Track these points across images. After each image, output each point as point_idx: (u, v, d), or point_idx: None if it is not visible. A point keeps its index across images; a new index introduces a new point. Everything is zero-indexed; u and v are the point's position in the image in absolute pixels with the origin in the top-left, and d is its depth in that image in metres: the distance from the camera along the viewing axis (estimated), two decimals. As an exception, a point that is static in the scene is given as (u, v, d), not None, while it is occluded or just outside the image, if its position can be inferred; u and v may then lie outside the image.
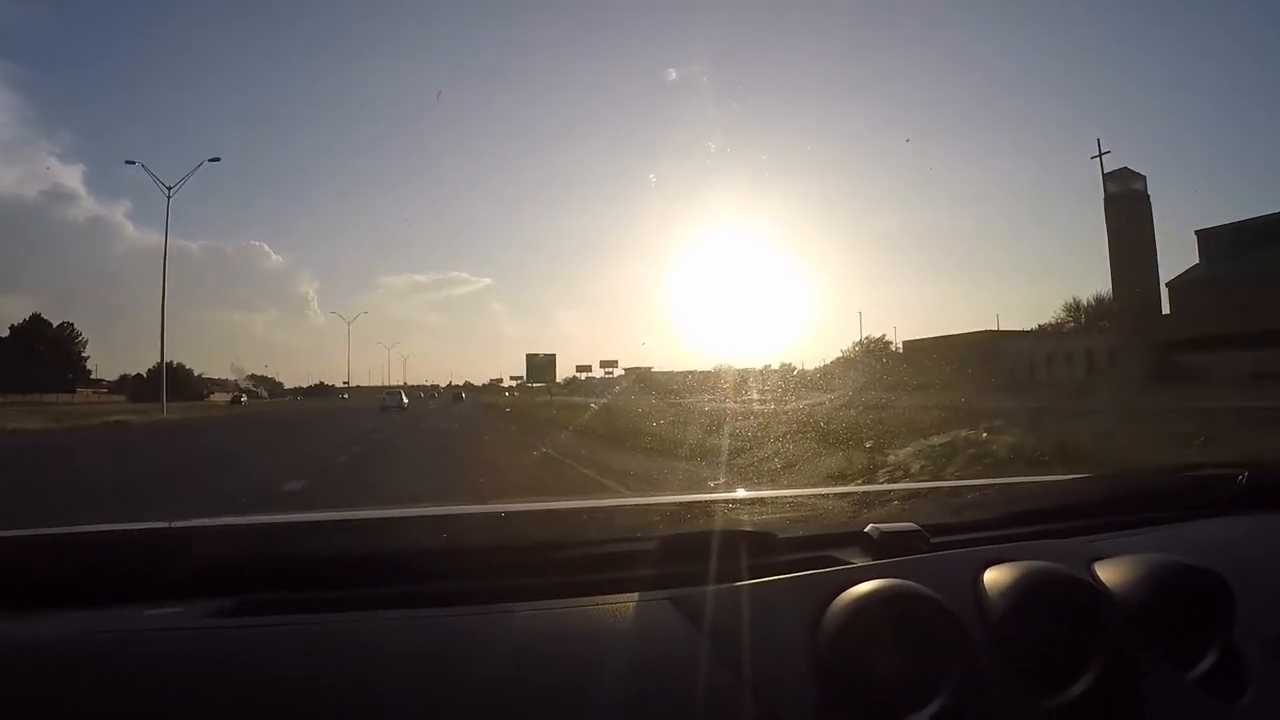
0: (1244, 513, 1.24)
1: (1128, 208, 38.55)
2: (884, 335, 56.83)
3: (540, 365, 63.62)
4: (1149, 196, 39.61)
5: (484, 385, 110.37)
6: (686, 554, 0.92)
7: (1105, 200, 39.83)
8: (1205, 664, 0.84)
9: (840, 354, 52.89)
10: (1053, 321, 55.46)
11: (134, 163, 35.43)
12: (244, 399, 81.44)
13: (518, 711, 0.69)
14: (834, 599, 0.79)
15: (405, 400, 48.42)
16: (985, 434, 6.82)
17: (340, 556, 0.93)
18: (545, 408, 33.35)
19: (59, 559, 0.88)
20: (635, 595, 0.83)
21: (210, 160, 36.54)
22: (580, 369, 73.74)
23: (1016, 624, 0.81)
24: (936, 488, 1.60)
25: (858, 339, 55.98)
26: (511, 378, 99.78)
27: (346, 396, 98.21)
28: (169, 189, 34.26)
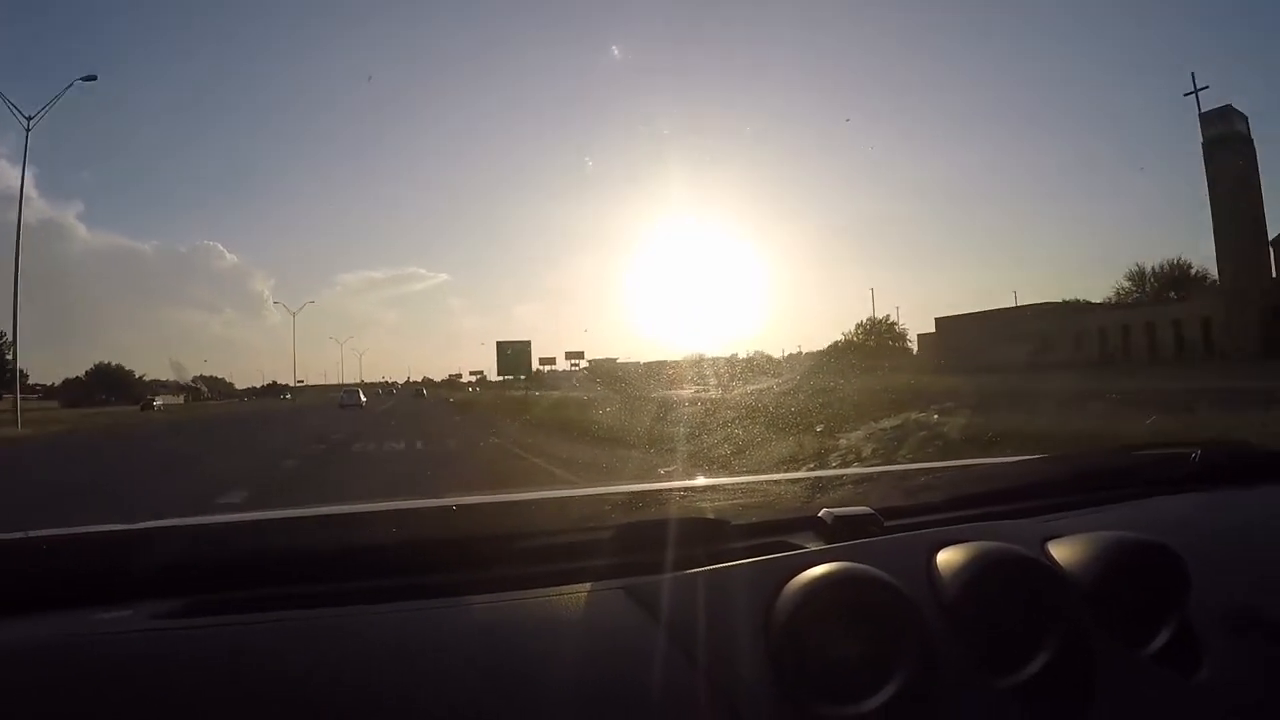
0: (1198, 490, 1.25)
1: (1229, 153, 33.99)
2: (888, 316, 55.32)
3: (514, 355, 56.40)
4: (1253, 140, 35.42)
5: (443, 381, 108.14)
6: (640, 543, 0.91)
7: (1203, 145, 35.62)
8: (1160, 640, 0.84)
9: (844, 336, 51.91)
10: (1120, 291, 50.33)
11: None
12: (158, 404, 68.98)
13: (473, 705, 0.69)
14: (787, 584, 0.79)
15: (363, 398, 47.45)
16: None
17: (290, 555, 0.92)
18: (516, 404, 28.29)
19: (2, 567, 0.85)
20: (588, 586, 0.83)
21: (83, 79, 30.75)
22: (544, 361, 69.70)
23: (970, 604, 0.81)
24: (889, 471, 1.60)
25: (862, 320, 54.44)
26: (471, 373, 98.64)
27: (289, 396, 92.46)
28: (29, 119, 29.74)
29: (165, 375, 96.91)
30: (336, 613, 0.78)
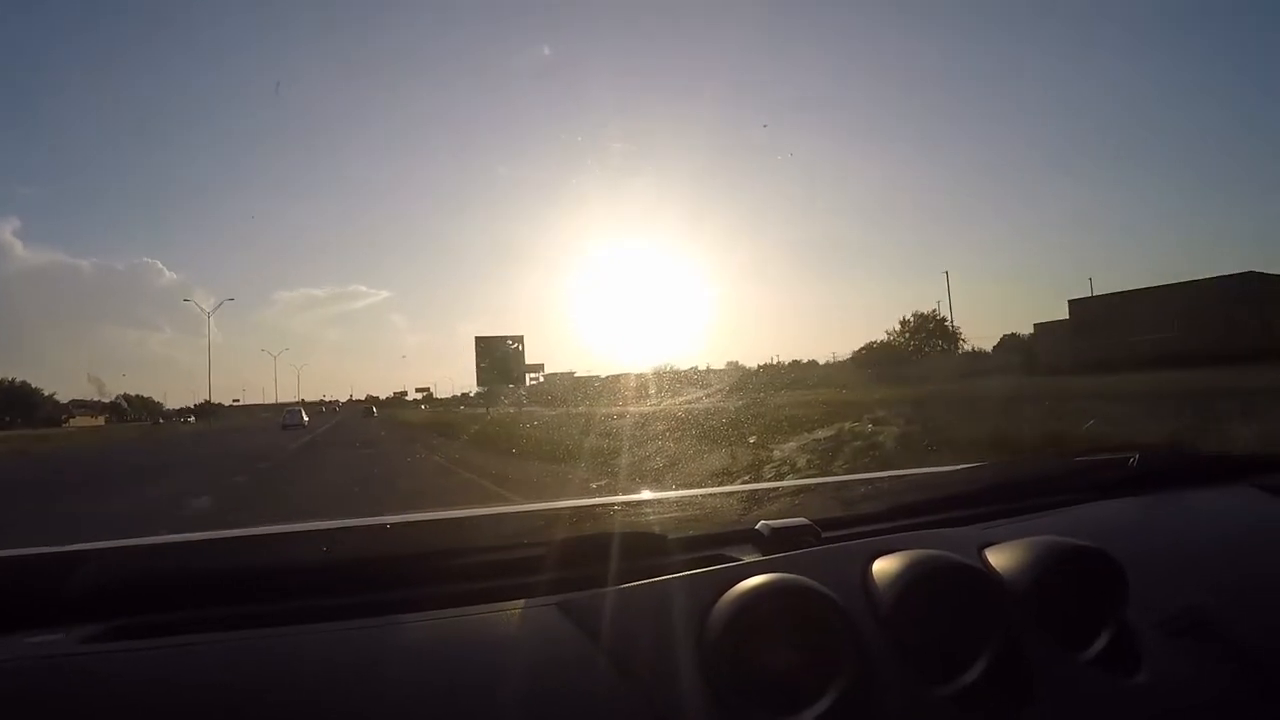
0: (1135, 494, 1.26)
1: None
2: (935, 309, 44.54)
3: (501, 359, 40.30)
4: None
5: (389, 399, 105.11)
6: (575, 559, 0.90)
7: None
8: (1099, 644, 0.84)
9: (887, 336, 43.65)
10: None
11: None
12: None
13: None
14: (721, 596, 0.78)
15: (305, 418, 44.36)
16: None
17: (223, 576, 0.90)
18: (495, 428, 20.27)
19: None
20: (524, 602, 0.81)
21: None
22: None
23: (907, 613, 0.80)
24: (827, 482, 1.60)
25: (906, 317, 44.61)
26: (418, 389, 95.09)
27: (192, 420, 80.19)
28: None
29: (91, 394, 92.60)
30: (270, 633, 0.77)
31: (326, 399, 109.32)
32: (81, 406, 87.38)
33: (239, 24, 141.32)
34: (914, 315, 44.80)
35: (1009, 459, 1.54)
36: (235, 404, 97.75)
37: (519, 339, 42.90)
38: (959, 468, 1.46)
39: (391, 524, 1.10)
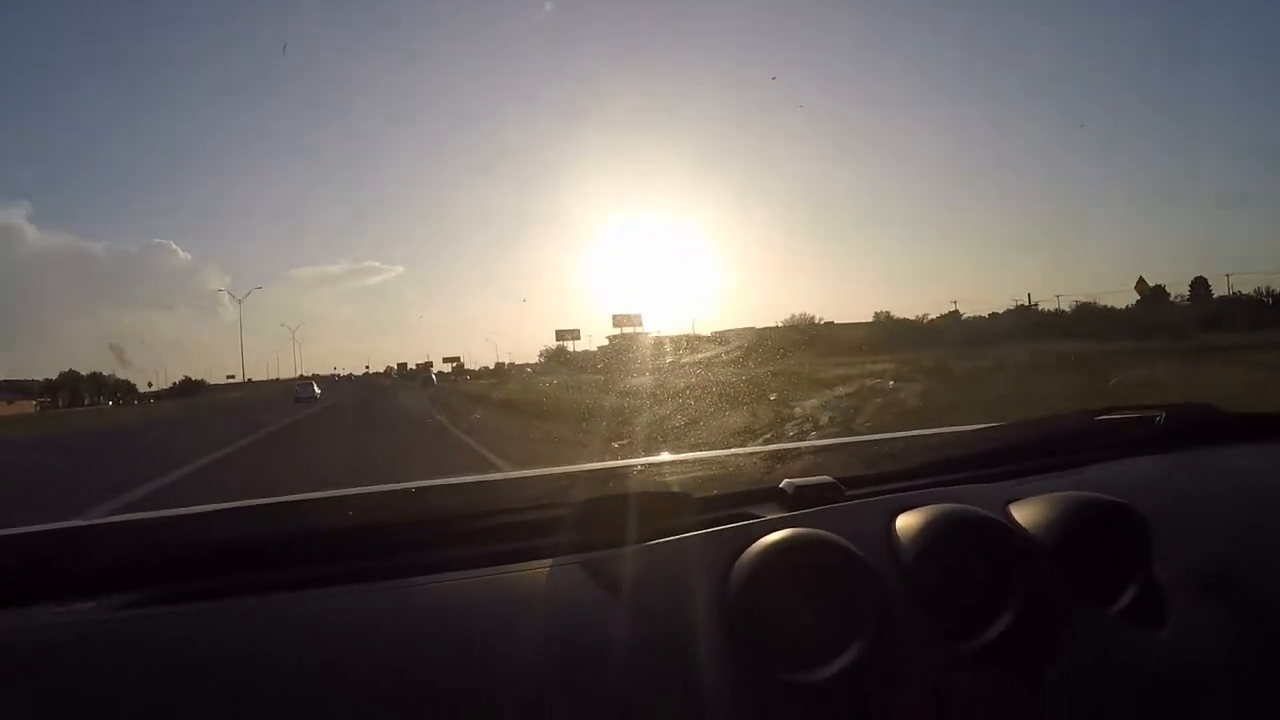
0: (1162, 452, 1.25)
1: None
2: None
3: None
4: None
5: (416, 369, 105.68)
6: (599, 519, 0.90)
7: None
8: (1124, 600, 0.84)
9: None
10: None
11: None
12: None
13: (433, 680, 0.69)
14: (744, 551, 0.78)
15: (317, 391, 43.89)
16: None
17: (246, 543, 0.90)
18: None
19: None
20: (548, 562, 0.82)
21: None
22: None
23: (930, 567, 0.80)
24: (851, 442, 1.59)
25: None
26: (445, 359, 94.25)
27: (151, 402, 73.41)
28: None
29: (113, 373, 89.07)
30: (294, 597, 0.78)
31: (341, 372, 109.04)
32: (12, 389, 76.41)
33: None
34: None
35: (1034, 418, 1.52)
36: (230, 380, 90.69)
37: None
38: (984, 426, 1.45)
39: (416, 488, 1.11)
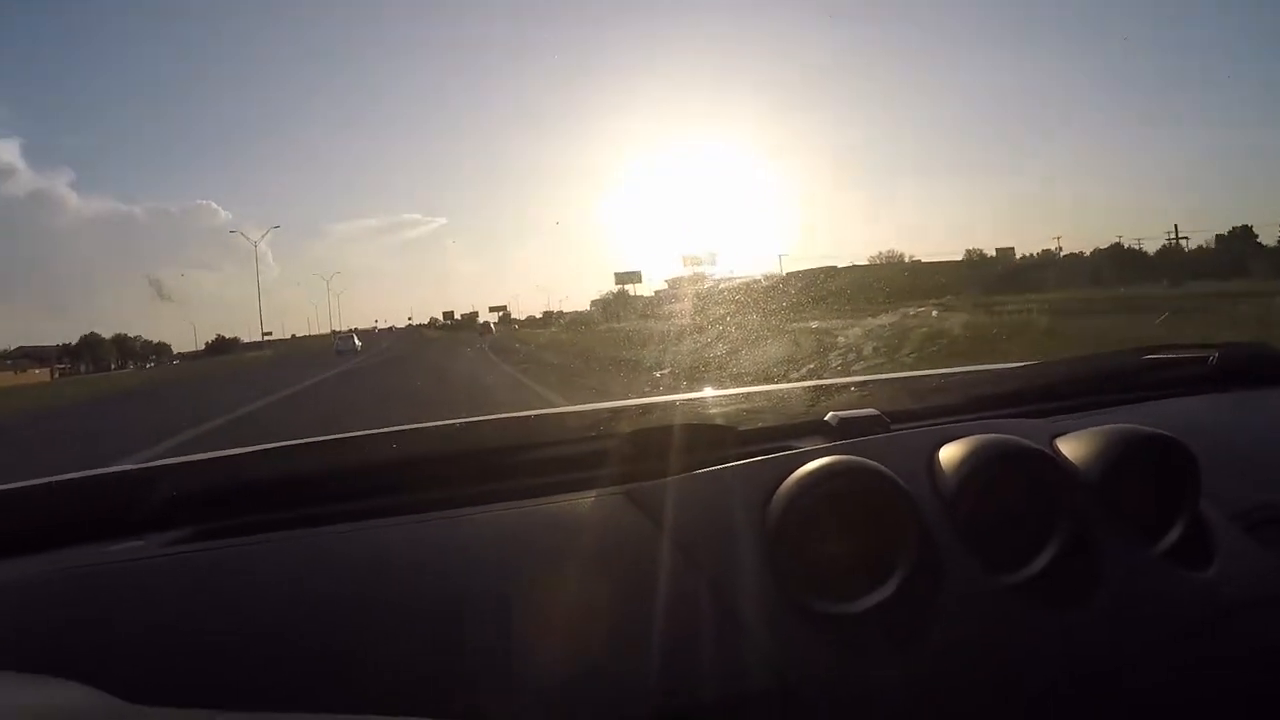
0: (1214, 391, 1.22)
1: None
2: None
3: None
4: None
5: (462, 318, 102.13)
6: (643, 451, 0.91)
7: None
8: (1171, 537, 0.83)
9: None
10: None
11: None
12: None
13: (481, 607, 0.70)
14: (785, 479, 0.78)
15: (358, 343, 45.21)
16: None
17: (297, 479, 0.92)
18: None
19: (4, 513, 0.87)
20: (592, 493, 0.83)
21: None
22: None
23: (974, 498, 0.79)
24: (897, 377, 1.58)
25: None
26: (491, 308, 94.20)
27: (150, 364, 71.11)
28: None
29: (168, 336, 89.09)
30: (343, 529, 0.79)
31: (379, 324, 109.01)
32: (28, 355, 73.00)
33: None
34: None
35: (1083, 355, 1.49)
36: (267, 336, 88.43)
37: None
38: (1032, 363, 1.43)
39: (461, 424, 1.13)
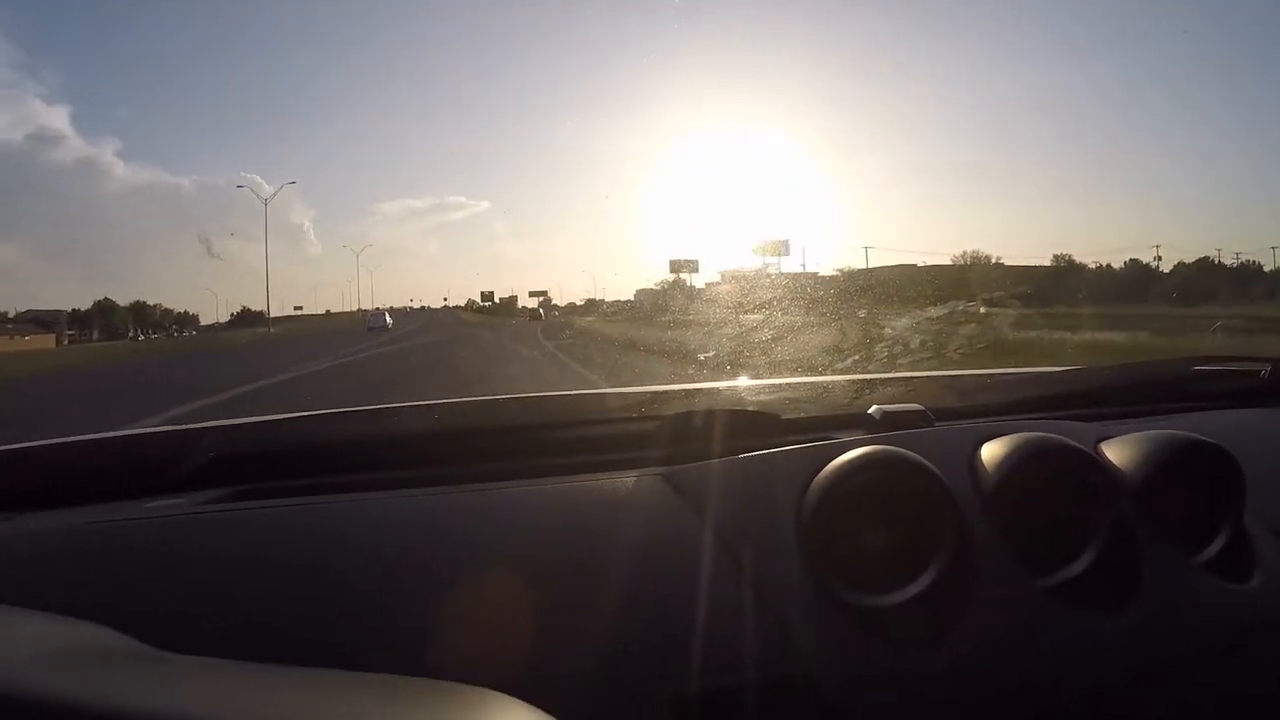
0: (1265, 406, 1.20)
1: None
2: None
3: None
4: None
5: (502, 301, 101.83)
6: (685, 435, 0.92)
7: None
8: (1213, 547, 0.82)
9: None
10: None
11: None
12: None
13: (514, 578, 0.70)
14: (823, 468, 0.78)
15: (389, 321, 45.88)
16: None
17: (337, 445, 0.94)
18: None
19: (54, 467, 0.90)
20: (633, 473, 0.83)
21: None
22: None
23: (1014, 497, 0.78)
24: (944, 375, 1.57)
25: None
26: (532, 293, 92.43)
27: (193, 333, 67.95)
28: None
29: (193, 307, 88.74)
30: (380, 496, 0.80)
31: (413, 303, 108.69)
32: (35, 320, 70.38)
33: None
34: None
35: (1131, 362, 1.47)
36: (298, 311, 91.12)
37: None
38: (1080, 368, 1.42)
39: (504, 400, 1.13)
